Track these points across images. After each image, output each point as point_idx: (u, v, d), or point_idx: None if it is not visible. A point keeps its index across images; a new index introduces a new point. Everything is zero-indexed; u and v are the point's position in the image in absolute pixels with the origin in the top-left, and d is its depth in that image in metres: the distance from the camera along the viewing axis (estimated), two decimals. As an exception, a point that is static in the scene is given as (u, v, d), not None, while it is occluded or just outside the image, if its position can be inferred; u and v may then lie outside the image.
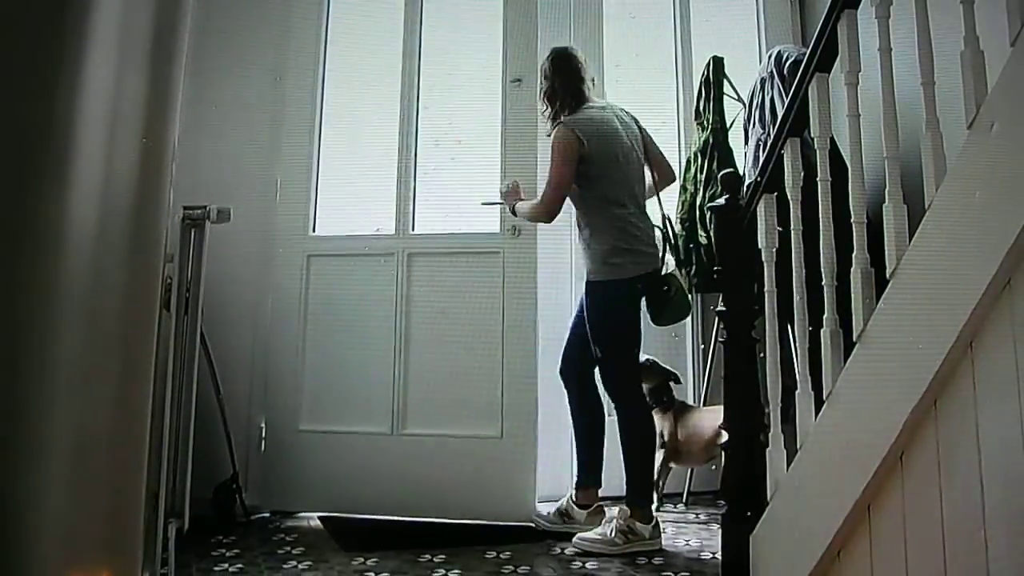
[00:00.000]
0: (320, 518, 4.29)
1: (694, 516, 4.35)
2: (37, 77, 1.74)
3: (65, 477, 1.76)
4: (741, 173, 4.28)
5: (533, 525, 4.09)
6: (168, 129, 2.12)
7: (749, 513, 3.17)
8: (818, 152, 3.00)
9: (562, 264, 4.73)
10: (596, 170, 3.96)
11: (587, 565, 3.63)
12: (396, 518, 4.20)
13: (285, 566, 3.65)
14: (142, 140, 1.97)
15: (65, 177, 1.75)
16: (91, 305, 1.81)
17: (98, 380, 1.85)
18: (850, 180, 2.85)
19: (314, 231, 4.67)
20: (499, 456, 4.27)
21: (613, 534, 3.79)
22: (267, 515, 4.37)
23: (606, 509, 4.03)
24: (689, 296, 4.23)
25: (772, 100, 4.37)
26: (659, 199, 4.21)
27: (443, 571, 3.58)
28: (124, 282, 1.93)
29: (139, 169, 1.97)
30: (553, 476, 4.42)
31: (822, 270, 2.95)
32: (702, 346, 4.91)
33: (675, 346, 4.89)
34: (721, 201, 3.39)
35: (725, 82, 4.73)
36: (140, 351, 2.01)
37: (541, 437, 4.29)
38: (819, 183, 2.98)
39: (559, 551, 3.78)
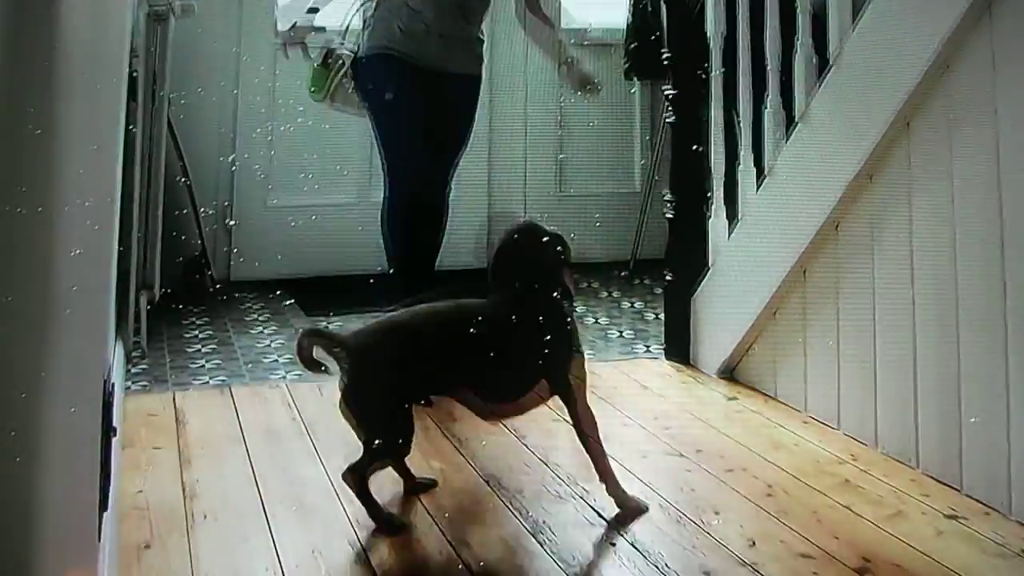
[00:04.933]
0: (287, 288, 4.43)
1: (638, 281, 4.53)
2: None
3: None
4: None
5: None
6: None
7: (691, 277, 3.40)
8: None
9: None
10: None
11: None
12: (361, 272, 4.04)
13: (252, 331, 3.87)
14: None
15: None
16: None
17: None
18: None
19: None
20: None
21: None
22: (234, 287, 4.51)
23: None
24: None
25: None
26: None
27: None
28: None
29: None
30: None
31: (766, 54, 3.12)
32: (648, 136, 5.07)
33: (621, 132, 5.08)
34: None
35: None
36: (106, 138, 2.01)
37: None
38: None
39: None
